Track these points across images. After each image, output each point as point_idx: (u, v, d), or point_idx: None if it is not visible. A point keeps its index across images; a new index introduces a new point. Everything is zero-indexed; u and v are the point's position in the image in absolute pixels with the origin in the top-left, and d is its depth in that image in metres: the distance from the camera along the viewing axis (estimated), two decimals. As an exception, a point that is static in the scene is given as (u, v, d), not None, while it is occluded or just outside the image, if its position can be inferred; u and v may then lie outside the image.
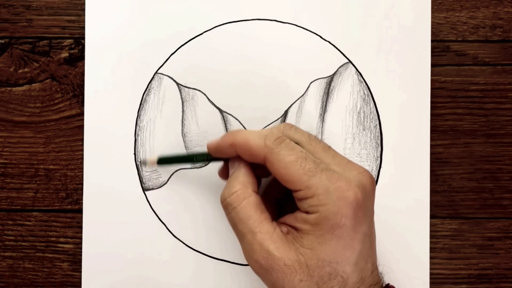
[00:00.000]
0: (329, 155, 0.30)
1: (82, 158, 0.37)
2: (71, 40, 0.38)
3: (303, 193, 0.28)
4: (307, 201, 0.28)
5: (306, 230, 0.28)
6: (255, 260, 0.28)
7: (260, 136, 0.30)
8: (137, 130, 0.37)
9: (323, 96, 0.37)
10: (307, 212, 0.28)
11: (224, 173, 0.34)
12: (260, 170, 0.31)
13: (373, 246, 0.30)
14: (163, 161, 0.35)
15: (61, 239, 0.37)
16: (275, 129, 0.31)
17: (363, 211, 0.28)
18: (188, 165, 0.37)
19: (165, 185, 0.37)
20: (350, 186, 0.28)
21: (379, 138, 0.37)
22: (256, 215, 0.29)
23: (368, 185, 0.29)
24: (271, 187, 0.34)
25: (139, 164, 0.37)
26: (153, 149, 0.37)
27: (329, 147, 0.31)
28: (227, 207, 0.30)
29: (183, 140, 0.37)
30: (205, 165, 0.37)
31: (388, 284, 0.31)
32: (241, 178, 0.30)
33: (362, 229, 0.28)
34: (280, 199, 0.34)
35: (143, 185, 0.37)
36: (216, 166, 0.37)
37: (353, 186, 0.28)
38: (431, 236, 0.37)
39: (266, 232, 0.28)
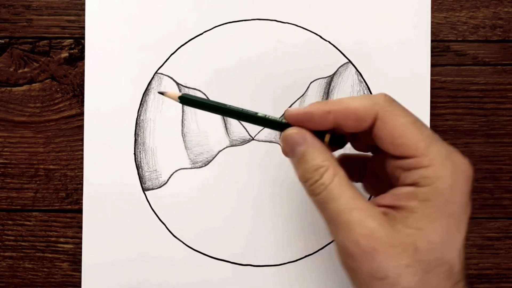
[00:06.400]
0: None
1: (82, 158, 0.37)
2: (71, 40, 0.38)
3: (417, 161, 0.24)
4: (419, 171, 0.24)
5: (412, 207, 0.24)
6: (353, 242, 0.24)
7: (362, 97, 0.26)
8: (137, 130, 0.37)
9: (323, 96, 0.37)
10: (414, 185, 0.24)
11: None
12: None
13: None
14: (187, 101, 0.29)
15: (61, 239, 0.37)
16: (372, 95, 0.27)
17: (472, 190, 0.25)
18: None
19: (165, 185, 0.37)
20: (466, 161, 0.25)
21: (379, 138, 0.37)
22: (350, 191, 0.25)
23: None
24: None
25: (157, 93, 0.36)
26: (153, 149, 0.37)
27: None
28: (317, 187, 0.25)
29: (183, 140, 0.37)
30: (205, 165, 0.37)
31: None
32: (323, 153, 0.26)
33: (469, 211, 0.25)
34: None
35: (143, 185, 0.37)
36: (216, 166, 0.37)
37: (467, 161, 0.25)
38: (431, 236, 0.37)
39: (364, 208, 0.24)
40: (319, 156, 0.26)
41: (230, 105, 0.28)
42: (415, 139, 0.25)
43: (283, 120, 0.28)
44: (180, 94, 0.29)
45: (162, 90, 0.37)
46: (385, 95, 0.26)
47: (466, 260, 0.26)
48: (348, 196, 0.25)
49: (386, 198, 0.26)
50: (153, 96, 0.37)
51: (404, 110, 0.26)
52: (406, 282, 0.23)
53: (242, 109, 0.28)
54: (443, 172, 0.24)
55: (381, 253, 0.23)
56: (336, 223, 0.25)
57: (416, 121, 0.25)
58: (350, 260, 0.25)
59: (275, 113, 0.37)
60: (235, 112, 0.28)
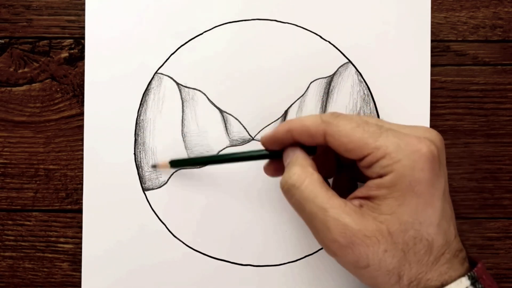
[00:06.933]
0: (386, 122, 0.29)
1: (82, 158, 0.37)
2: (71, 40, 0.38)
3: (373, 156, 0.26)
4: (378, 164, 0.26)
5: (383, 195, 0.26)
6: (332, 239, 0.26)
7: (314, 116, 0.29)
8: (137, 130, 0.37)
9: (323, 96, 0.37)
10: (380, 176, 0.26)
11: (272, 169, 0.33)
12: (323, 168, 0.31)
13: (451, 207, 0.28)
14: (176, 164, 0.36)
15: (61, 239, 0.37)
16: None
17: (439, 164, 0.27)
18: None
19: (165, 185, 0.37)
20: (420, 140, 0.26)
21: (379, 138, 0.37)
22: (322, 192, 0.27)
23: (438, 141, 0.28)
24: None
25: (150, 168, 0.37)
26: (153, 149, 0.37)
27: (383, 120, 0.30)
28: (290, 189, 0.28)
29: (183, 140, 0.37)
30: (205, 165, 0.37)
31: (477, 261, 0.28)
32: (299, 161, 0.29)
33: (440, 185, 0.27)
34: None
35: (143, 185, 0.37)
36: (216, 166, 0.37)
37: (423, 139, 0.26)
38: (431, 236, 0.37)
39: (338, 207, 0.26)
40: (296, 164, 0.29)
41: (212, 155, 0.36)
42: (362, 139, 0.27)
43: (262, 151, 0.32)
44: (168, 160, 0.36)
45: (161, 92, 0.37)
46: (333, 113, 0.29)
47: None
48: (321, 196, 0.27)
49: (362, 190, 0.28)
50: (153, 96, 0.37)
51: (348, 118, 0.28)
52: (387, 265, 0.26)
53: (224, 154, 0.35)
54: (399, 157, 0.26)
55: (359, 245, 0.26)
56: (314, 225, 0.27)
57: (360, 123, 0.27)
58: (334, 256, 0.27)
59: (275, 113, 0.37)
60: (218, 159, 0.35)
